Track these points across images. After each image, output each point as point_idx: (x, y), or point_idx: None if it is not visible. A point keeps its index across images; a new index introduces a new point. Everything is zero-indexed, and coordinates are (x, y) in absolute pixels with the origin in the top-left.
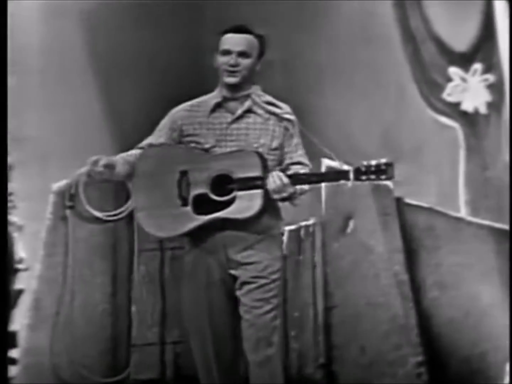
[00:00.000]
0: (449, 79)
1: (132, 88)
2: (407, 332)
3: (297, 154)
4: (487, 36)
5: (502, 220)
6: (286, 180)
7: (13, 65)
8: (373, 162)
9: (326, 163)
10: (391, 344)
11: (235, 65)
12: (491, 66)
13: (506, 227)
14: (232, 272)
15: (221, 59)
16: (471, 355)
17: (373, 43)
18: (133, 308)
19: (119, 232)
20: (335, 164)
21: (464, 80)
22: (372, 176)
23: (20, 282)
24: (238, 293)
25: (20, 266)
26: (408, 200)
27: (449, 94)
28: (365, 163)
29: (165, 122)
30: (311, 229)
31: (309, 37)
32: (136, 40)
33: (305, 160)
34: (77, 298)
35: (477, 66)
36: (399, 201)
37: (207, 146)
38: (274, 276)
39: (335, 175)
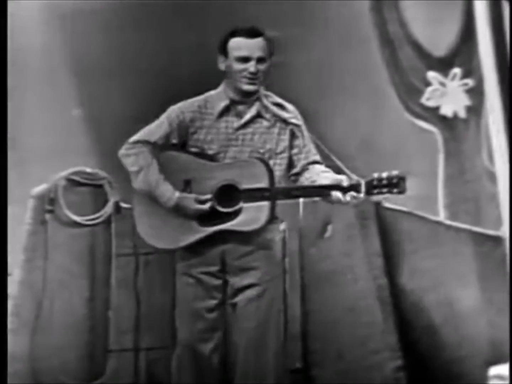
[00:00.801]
0: (428, 84)
1: (114, 90)
2: (386, 336)
3: (312, 153)
4: (466, 40)
5: (481, 224)
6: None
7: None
8: (384, 175)
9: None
10: (369, 349)
11: (256, 72)
12: (470, 70)
13: (485, 231)
14: (228, 278)
15: (238, 66)
16: (451, 359)
17: (350, 45)
18: (110, 314)
19: (97, 237)
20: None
21: (443, 84)
22: (384, 190)
23: None
24: (234, 300)
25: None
26: (386, 204)
27: (428, 98)
28: (376, 175)
29: (170, 118)
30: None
31: (287, 41)
32: (136, 41)
33: (318, 158)
34: (56, 303)
35: (456, 70)
36: (377, 205)
37: (211, 152)
38: (271, 283)
39: (347, 187)
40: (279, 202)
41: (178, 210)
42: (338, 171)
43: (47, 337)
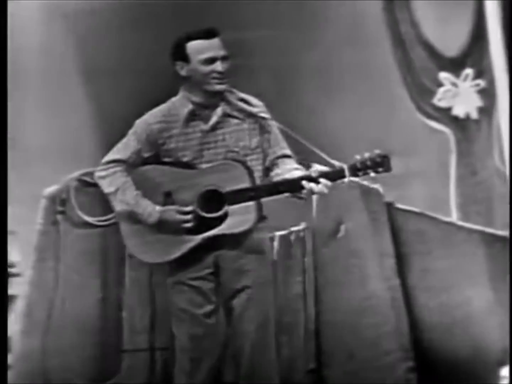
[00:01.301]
0: (440, 84)
1: (124, 90)
2: (397, 337)
3: (279, 147)
4: (477, 41)
5: (492, 224)
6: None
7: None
8: (367, 155)
9: (317, 168)
10: (381, 349)
11: (223, 72)
12: (482, 71)
13: (497, 231)
14: (222, 280)
15: (205, 68)
16: (462, 360)
17: (363, 46)
18: (123, 314)
19: (110, 237)
20: (326, 169)
21: (455, 85)
22: (369, 170)
23: (14, 287)
24: (230, 303)
25: (12, 271)
26: (398, 205)
27: (440, 99)
28: (358, 157)
29: (137, 133)
30: (301, 234)
31: (299, 40)
32: (136, 42)
33: (288, 151)
34: (68, 304)
35: (468, 71)
36: (389, 205)
37: (186, 159)
38: (265, 284)
39: (332, 174)
40: (287, 204)
41: (161, 225)
42: (323, 162)
43: (59, 337)
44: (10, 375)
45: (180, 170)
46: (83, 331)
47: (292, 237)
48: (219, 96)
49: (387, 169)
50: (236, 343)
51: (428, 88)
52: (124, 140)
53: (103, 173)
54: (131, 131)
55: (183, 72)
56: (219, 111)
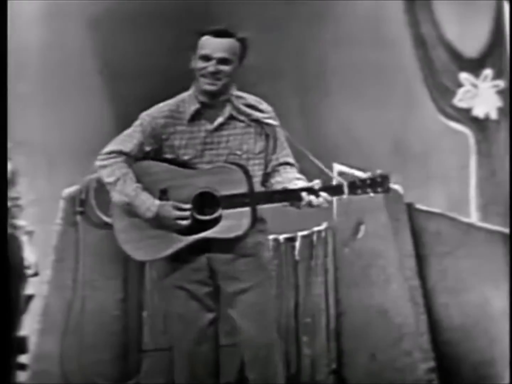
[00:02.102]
0: (460, 85)
1: (138, 89)
2: (418, 338)
3: (282, 154)
4: (497, 42)
5: None
6: (330, 198)
7: (14, 66)
8: (367, 175)
9: (338, 168)
10: (401, 350)
11: (215, 72)
12: (501, 71)
13: None
14: (218, 283)
15: (200, 64)
16: (482, 361)
17: (384, 46)
18: (144, 314)
19: None
20: (346, 169)
21: (474, 85)
22: (368, 189)
23: (31, 287)
24: (229, 310)
25: (29, 271)
26: (418, 206)
27: (460, 99)
28: (358, 176)
29: (143, 126)
30: (323, 234)
31: (319, 39)
32: (137, 41)
33: (291, 159)
34: (87, 304)
35: (488, 71)
36: (409, 206)
37: (186, 157)
38: (264, 285)
39: (330, 190)
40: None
41: (158, 220)
42: (321, 172)
43: (78, 337)
44: (27, 375)
45: (178, 168)
46: (102, 331)
47: (314, 238)
48: (224, 96)
49: (386, 190)
50: (238, 347)
51: (449, 89)
52: (128, 131)
53: (104, 163)
54: (136, 123)
55: (192, 64)
56: (225, 112)
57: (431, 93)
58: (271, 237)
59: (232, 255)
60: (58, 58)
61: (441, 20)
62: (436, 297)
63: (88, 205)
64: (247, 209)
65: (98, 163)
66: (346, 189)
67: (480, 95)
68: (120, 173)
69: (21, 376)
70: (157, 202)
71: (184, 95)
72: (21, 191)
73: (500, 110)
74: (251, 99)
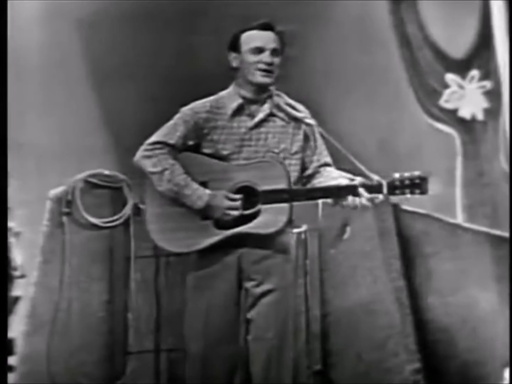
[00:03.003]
0: (446, 86)
1: (130, 92)
2: (404, 339)
3: (323, 155)
4: (484, 43)
5: (499, 226)
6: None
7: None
8: (406, 175)
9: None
10: (387, 351)
11: (271, 63)
12: (488, 72)
13: (503, 233)
14: (245, 284)
15: (252, 58)
16: (468, 362)
17: (370, 47)
18: (129, 315)
19: (116, 239)
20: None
21: (461, 86)
22: (406, 190)
23: (17, 289)
24: (249, 309)
25: (16, 272)
26: (404, 207)
27: (446, 100)
28: (397, 176)
29: (185, 119)
30: (303, 236)
31: (304, 39)
32: (135, 43)
33: (329, 160)
34: (74, 305)
35: (474, 72)
36: (395, 207)
37: (225, 152)
38: (288, 289)
39: (369, 188)
40: (296, 204)
41: (207, 210)
42: (357, 172)
43: (64, 339)
44: (15, 376)
45: (218, 162)
46: (89, 332)
47: (294, 240)
48: (267, 93)
49: (424, 191)
50: (252, 349)
51: (435, 90)
52: (171, 124)
53: (148, 153)
54: (178, 116)
55: (234, 63)
56: (266, 109)
57: (417, 94)
58: None
59: (261, 255)
60: (57, 59)
61: (427, 21)
62: (423, 298)
63: (74, 206)
64: (285, 205)
65: (141, 153)
66: (385, 189)
67: (467, 96)
68: (167, 164)
69: (9, 377)
70: (208, 191)
71: (223, 93)
72: (11, 194)
73: (487, 111)
74: (290, 99)
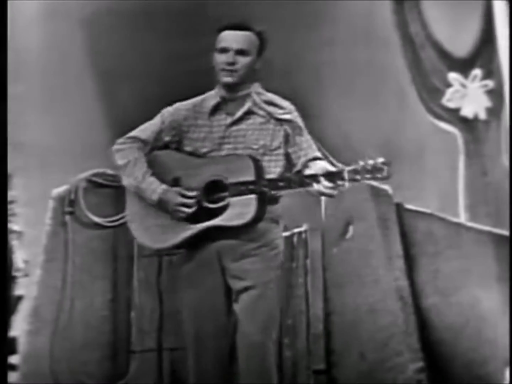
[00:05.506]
0: (449, 85)
1: (132, 92)
2: (407, 338)
3: (312, 149)
4: (486, 42)
5: (502, 225)
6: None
7: (12, 69)
8: (370, 161)
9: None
10: (391, 350)
11: (232, 63)
12: (490, 72)
13: (506, 232)
14: (228, 281)
15: (218, 58)
16: (471, 361)
17: (373, 46)
18: (132, 314)
19: (119, 238)
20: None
21: (463, 85)
22: (367, 175)
23: (20, 288)
24: (234, 304)
25: (19, 272)
26: (407, 206)
27: (449, 99)
28: (361, 162)
29: (164, 116)
30: (303, 236)
31: (308, 38)
32: (135, 43)
33: (319, 154)
34: (77, 304)
35: (477, 71)
36: (398, 206)
37: (204, 150)
38: (270, 286)
39: (331, 176)
40: (296, 204)
41: (162, 205)
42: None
43: (67, 337)
44: (17, 375)
45: (191, 158)
46: (92, 331)
47: (295, 239)
48: (243, 91)
49: (386, 176)
50: (238, 344)
51: (438, 89)
52: (151, 121)
53: (119, 147)
54: (159, 114)
55: (212, 63)
56: (245, 107)
57: (420, 93)
58: None
59: (240, 252)
60: (57, 58)
61: (429, 20)
62: (426, 297)
63: (77, 205)
64: (253, 196)
65: (114, 147)
66: (346, 175)
67: (469, 95)
68: (132, 157)
69: (11, 376)
70: (163, 186)
71: (210, 92)
72: (14, 194)
73: (489, 110)
74: (272, 96)
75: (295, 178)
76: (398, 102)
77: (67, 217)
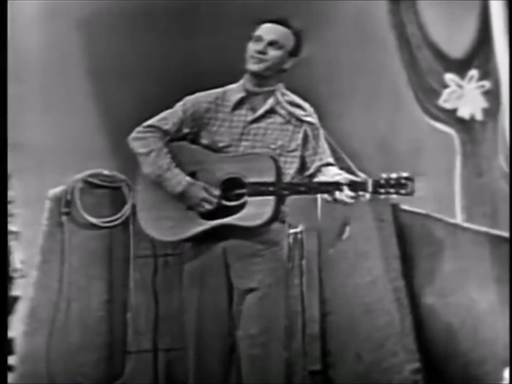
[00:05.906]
0: (445, 86)
1: (131, 92)
2: (403, 338)
3: (326, 155)
4: (483, 43)
5: (498, 226)
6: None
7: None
8: (393, 175)
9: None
10: (387, 351)
11: (262, 52)
12: (487, 72)
13: (503, 233)
14: (232, 280)
15: (251, 46)
16: (468, 361)
17: (369, 47)
18: (128, 315)
19: (115, 239)
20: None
21: (460, 86)
22: (391, 190)
23: (17, 288)
24: (237, 304)
25: (17, 272)
26: (404, 206)
27: (445, 100)
28: (384, 175)
29: (185, 106)
30: (299, 236)
31: (304, 39)
32: (135, 43)
33: (332, 160)
34: (73, 305)
35: (473, 72)
36: (395, 207)
37: (221, 144)
38: (275, 286)
39: (354, 186)
40: (292, 205)
41: (184, 197)
42: (349, 171)
43: (64, 338)
44: (14, 376)
45: (210, 152)
46: (88, 332)
47: (290, 240)
48: (268, 87)
49: (410, 192)
50: (240, 345)
51: (434, 90)
52: (170, 110)
53: (140, 135)
54: (179, 103)
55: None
56: (267, 104)
57: (416, 94)
58: None
59: (246, 252)
60: (57, 58)
61: (426, 21)
62: (422, 297)
63: (74, 206)
64: (271, 198)
65: (133, 135)
66: (370, 187)
67: (466, 96)
68: (155, 146)
69: (9, 377)
70: (188, 178)
71: (232, 86)
72: (11, 194)
73: (486, 111)
74: (295, 97)
75: (316, 185)
76: (394, 103)
77: (64, 218)
